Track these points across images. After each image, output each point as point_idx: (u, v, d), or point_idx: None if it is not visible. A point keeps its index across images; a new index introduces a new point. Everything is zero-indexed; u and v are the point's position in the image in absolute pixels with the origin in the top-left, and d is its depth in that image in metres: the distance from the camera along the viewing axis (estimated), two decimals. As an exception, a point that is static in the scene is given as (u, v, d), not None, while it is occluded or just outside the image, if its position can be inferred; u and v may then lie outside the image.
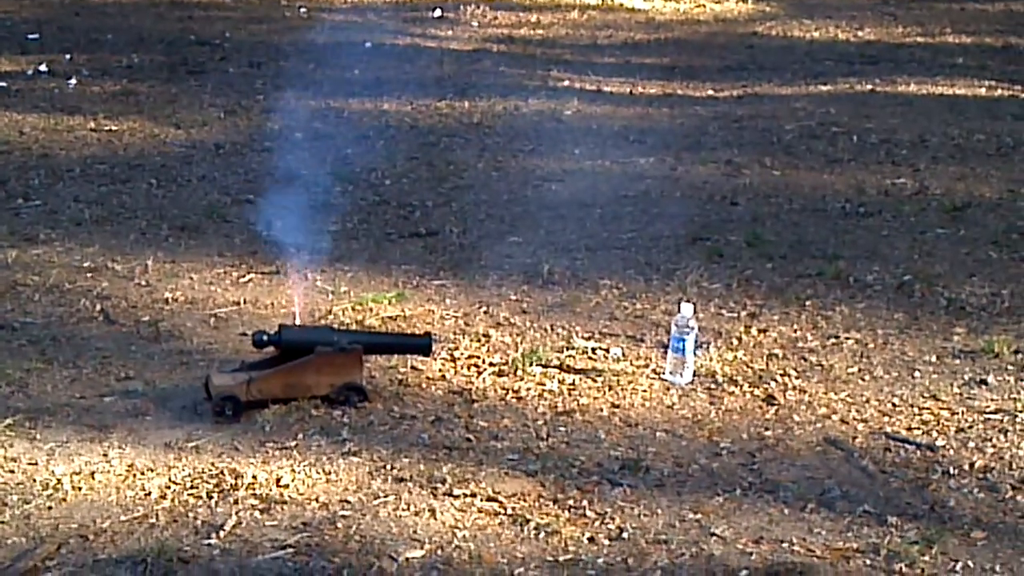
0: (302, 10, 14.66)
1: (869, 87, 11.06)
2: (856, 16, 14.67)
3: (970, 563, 4.18)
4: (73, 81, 10.97)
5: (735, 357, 5.69)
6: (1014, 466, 4.79)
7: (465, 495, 4.52)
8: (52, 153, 8.91)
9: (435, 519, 4.38)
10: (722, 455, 4.86)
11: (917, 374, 5.58)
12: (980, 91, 11.02)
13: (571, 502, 4.49)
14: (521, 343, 5.81)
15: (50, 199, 7.88)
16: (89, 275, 6.59)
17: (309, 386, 5.15)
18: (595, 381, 5.47)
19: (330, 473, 4.65)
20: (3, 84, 10.88)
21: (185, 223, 7.46)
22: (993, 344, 5.80)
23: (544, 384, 5.43)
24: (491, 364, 5.59)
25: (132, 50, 12.35)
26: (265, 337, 5.22)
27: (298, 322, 5.68)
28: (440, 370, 5.53)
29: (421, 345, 5.50)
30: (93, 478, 4.59)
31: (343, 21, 14.05)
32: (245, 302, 6.29)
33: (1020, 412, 5.19)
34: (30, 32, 13.09)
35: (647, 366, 5.61)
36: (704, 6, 15.39)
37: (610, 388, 5.40)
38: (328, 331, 5.44)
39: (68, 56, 11.96)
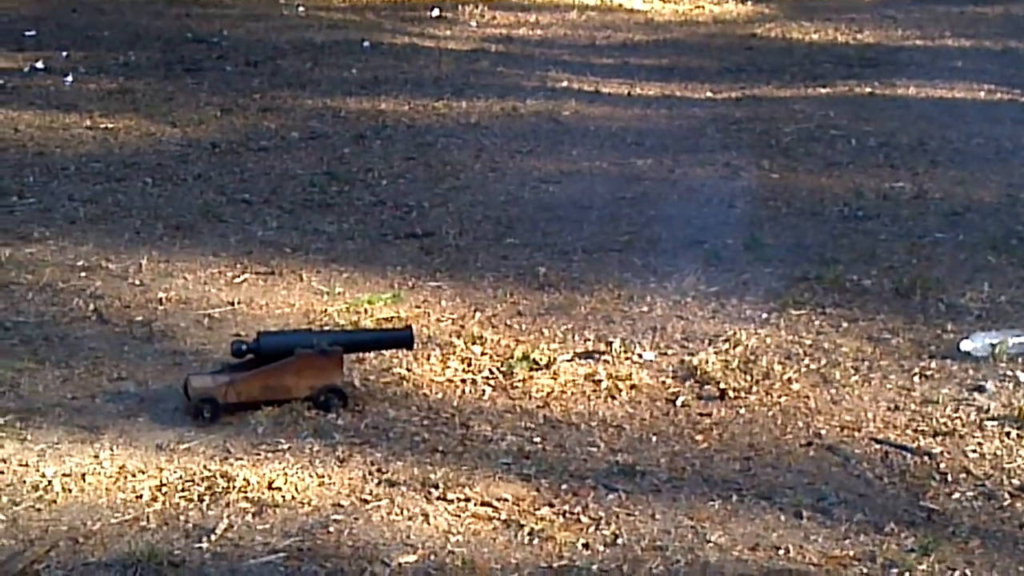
0: (300, 8, 14.61)
1: (868, 90, 11.02)
2: (855, 18, 14.64)
3: (967, 571, 4.16)
4: (69, 78, 10.93)
5: (732, 361, 5.65)
6: (1012, 473, 4.77)
7: (459, 499, 4.49)
8: (47, 151, 8.87)
9: (428, 524, 4.35)
10: (718, 460, 4.83)
11: (915, 379, 5.55)
12: (979, 95, 10.98)
13: (566, 507, 4.46)
14: (516, 346, 5.77)
15: (45, 197, 7.84)
16: (83, 274, 6.56)
17: (288, 388, 5.10)
18: (590, 385, 5.43)
19: (323, 476, 4.61)
20: None
21: (180, 222, 7.42)
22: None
23: (539, 387, 5.40)
24: (486, 367, 5.56)
25: (129, 48, 12.30)
26: (244, 347, 5.18)
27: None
28: (435, 372, 5.50)
29: (403, 338, 5.46)
30: (84, 480, 4.56)
31: (341, 20, 14.01)
32: (239, 302, 6.25)
33: (1018, 418, 5.16)
34: (27, 29, 13.04)
35: (643, 370, 5.57)
36: (703, 7, 15.35)
37: (606, 392, 5.37)
38: (307, 334, 5.41)
39: (65, 53, 11.91)
